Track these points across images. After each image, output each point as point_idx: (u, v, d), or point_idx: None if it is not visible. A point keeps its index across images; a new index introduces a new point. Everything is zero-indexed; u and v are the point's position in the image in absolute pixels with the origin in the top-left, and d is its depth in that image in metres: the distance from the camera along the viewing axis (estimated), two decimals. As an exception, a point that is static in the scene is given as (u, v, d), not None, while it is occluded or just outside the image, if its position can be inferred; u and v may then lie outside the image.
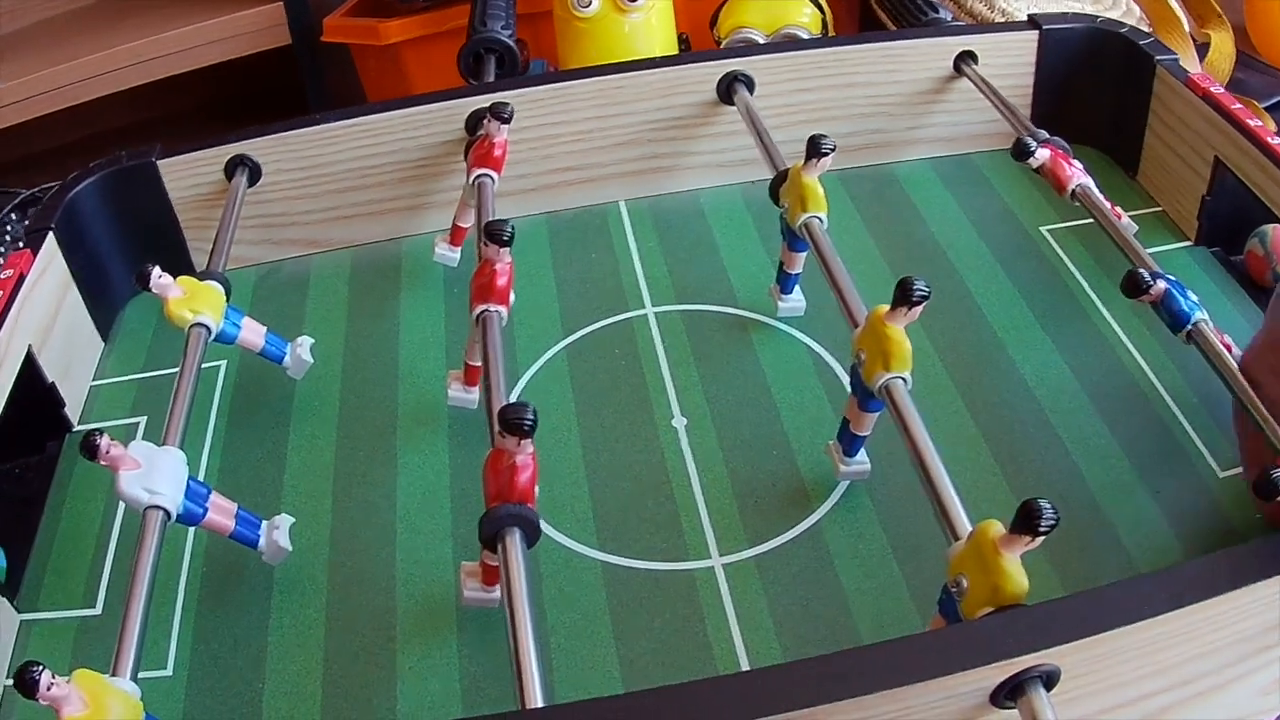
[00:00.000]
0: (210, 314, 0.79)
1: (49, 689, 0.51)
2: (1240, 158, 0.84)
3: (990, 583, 0.53)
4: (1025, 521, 0.51)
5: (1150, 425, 0.75)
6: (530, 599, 0.56)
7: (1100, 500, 0.70)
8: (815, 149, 0.79)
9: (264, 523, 0.71)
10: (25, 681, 0.51)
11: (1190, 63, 1.19)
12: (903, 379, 0.65)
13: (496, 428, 0.59)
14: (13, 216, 1.33)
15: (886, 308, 0.65)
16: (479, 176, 0.86)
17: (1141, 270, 0.72)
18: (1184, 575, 0.54)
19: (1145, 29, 1.23)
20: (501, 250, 0.72)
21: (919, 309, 0.64)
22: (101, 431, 0.64)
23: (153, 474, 0.65)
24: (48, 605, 0.72)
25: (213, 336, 0.79)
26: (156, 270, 0.76)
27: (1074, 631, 0.50)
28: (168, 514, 0.65)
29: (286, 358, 0.84)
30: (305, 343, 0.85)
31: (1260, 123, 0.83)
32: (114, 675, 0.56)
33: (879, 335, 0.66)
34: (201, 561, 0.73)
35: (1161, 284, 0.71)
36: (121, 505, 0.77)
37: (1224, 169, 0.86)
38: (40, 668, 0.51)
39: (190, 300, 0.78)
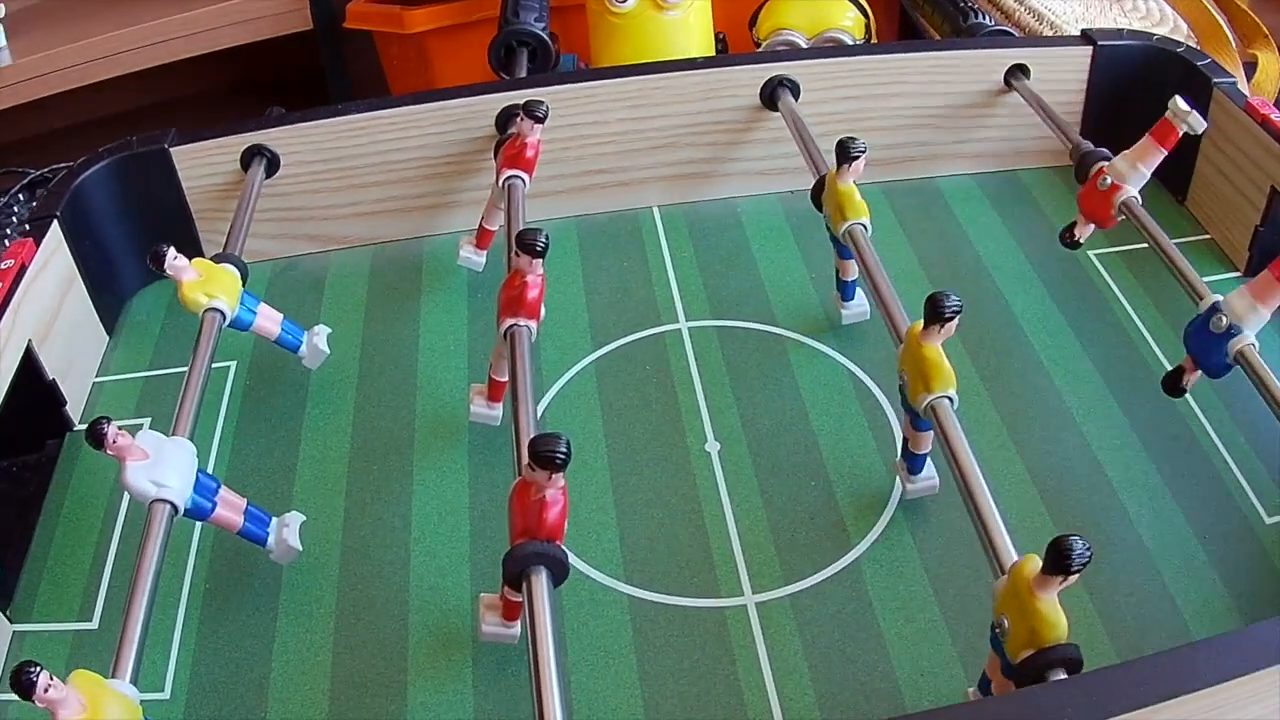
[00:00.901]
0: (226, 299, 0.76)
1: (46, 691, 0.50)
2: None
3: (1028, 625, 0.51)
4: (1057, 561, 0.49)
5: (1197, 466, 0.73)
6: (556, 647, 0.52)
7: (1148, 543, 0.68)
8: (845, 153, 0.77)
9: (274, 520, 0.69)
10: (22, 683, 0.49)
11: (1239, 84, 1.17)
12: (948, 398, 0.64)
13: (525, 459, 0.55)
14: (20, 197, 1.32)
15: (919, 326, 0.64)
16: (510, 178, 0.83)
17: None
18: (1239, 644, 0.51)
19: (1195, 45, 1.21)
20: (535, 262, 0.69)
21: (953, 324, 0.63)
22: (109, 419, 0.61)
23: (160, 465, 0.63)
24: (42, 616, 0.69)
25: (227, 322, 0.77)
26: (172, 251, 0.74)
27: (1129, 701, 0.48)
28: (175, 508, 0.62)
29: (303, 347, 0.81)
30: (322, 332, 0.82)
31: None
32: (113, 678, 0.54)
33: (916, 356, 0.65)
34: (204, 578, 0.70)
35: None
36: (123, 512, 0.74)
37: None
38: (38, 668, 0.49)
39: (205, 284, 0.76)
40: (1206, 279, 0.84)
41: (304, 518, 0.70)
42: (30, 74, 1.37)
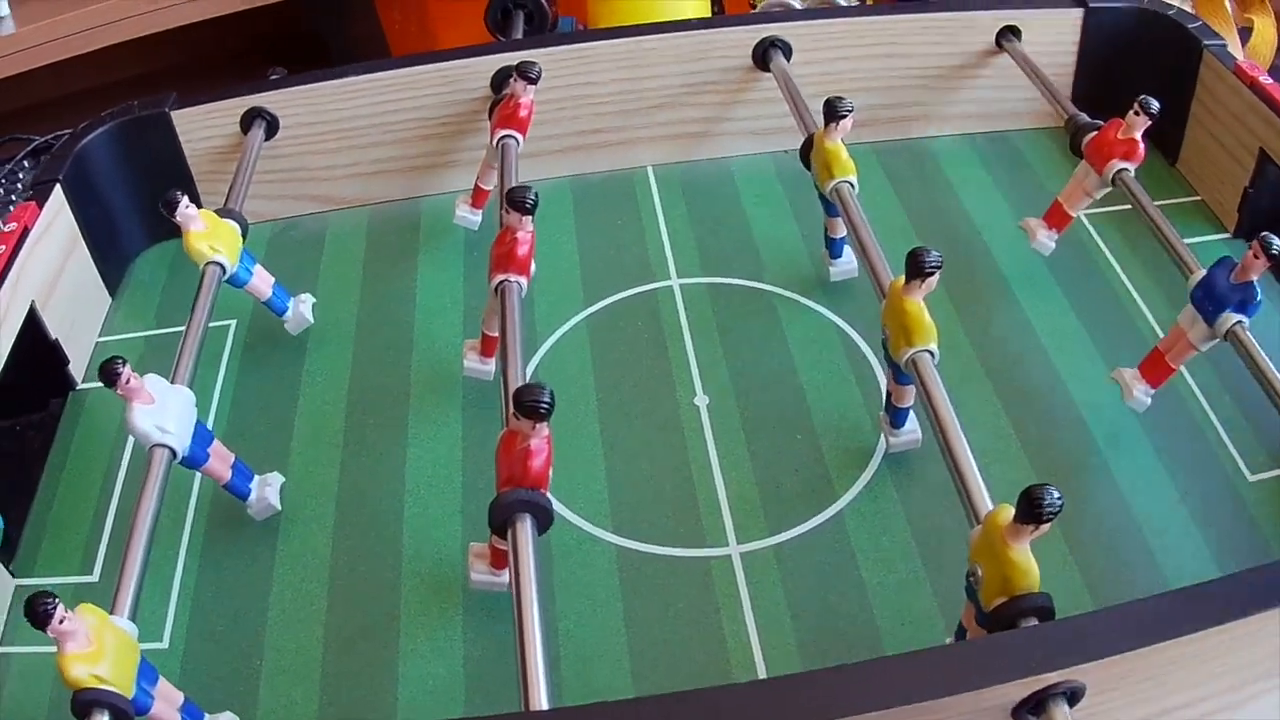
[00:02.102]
0: (227, 254, 0.78)
1: (61, 623, 0.52)
2: None
3: (1001, 574, 0.53)
4: (1028, 510, 0.50)
5: (1183, 424, 0.74)
6: (540, 593, 0.54)
7: (1129, 498, 0.69)
8: (833, 112, 0.79)
9: (256, 478, 0.71)
10: (37, 613, 0.51)
11: (1233, 48, 1.17)
12: (929, 352, 0.65)
13: (511, 409, 0.56)
14: (25, 164, 1.33)
15: (901, 281, 0.65)
16: (503, 138, 0.85)
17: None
18: (1210, 594, 0.53)
19: (1190, 9, 1.21)
20: (524, 218, 0.70)
21: (934, 279, 0.64)
22: (124, 359, 0.63)
23: (164, 411, 0.65)
24: (44, 571, 0.71)
25: (226, 277, 0.78)
26: (185, 199, 0.76)
27: (1100, 649, 0.49)
28: (174, 454, 0.64)
29: (289, 311, 0.83)
30: (308, 300, 0.84)
31: None
32: (113, 614, 0.56)
33: (898, 310, 0.66)
34: (202, 529, 0.72)
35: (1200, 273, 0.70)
36: (124, 469, 0.76)
37: (1268, 161, 0.84)
38: (54, 600, 0.51)
39: (210, 236, 0.78)
40: (1196, 239, 0.87)
41: (284, 479, 0.72)
42: (33, 42, 1.38)
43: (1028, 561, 0.52)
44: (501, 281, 0.70)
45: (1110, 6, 0.97)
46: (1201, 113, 0.92)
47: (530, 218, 0.70)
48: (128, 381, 0.63)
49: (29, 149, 1.34)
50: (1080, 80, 1.00)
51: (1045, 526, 0.51)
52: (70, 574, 0.70)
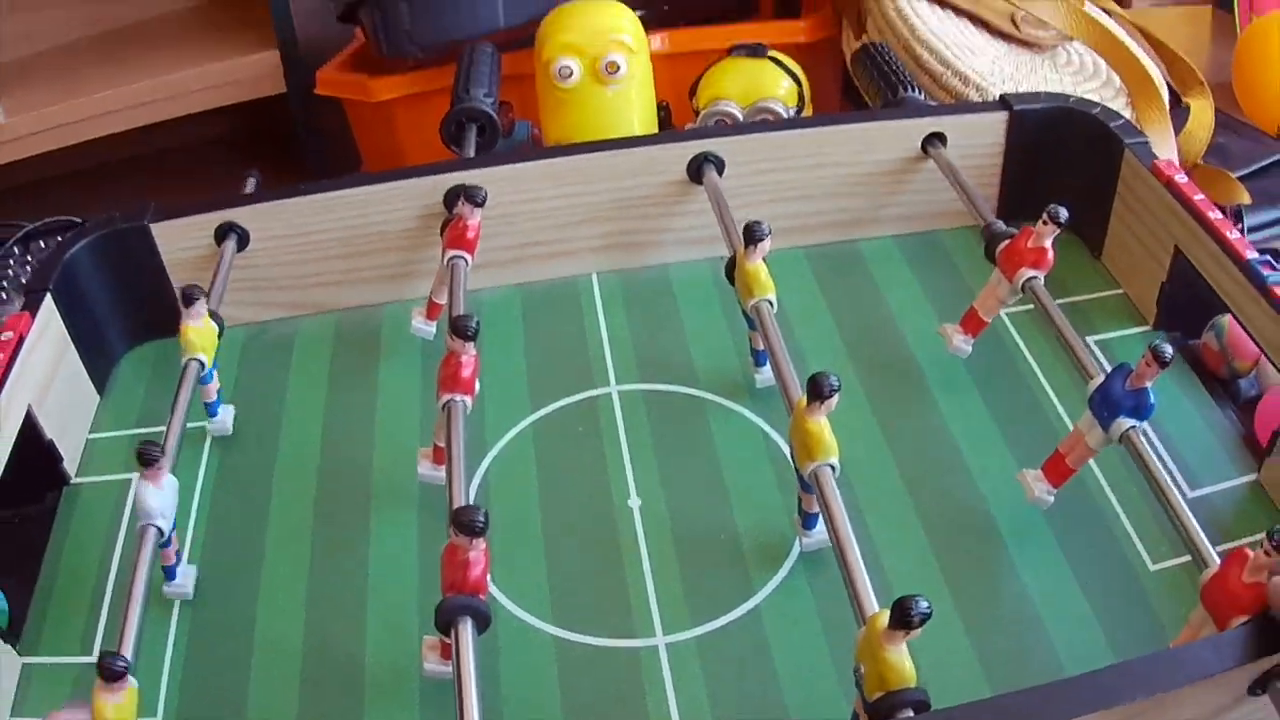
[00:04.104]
0: (206, 355, 0.86)
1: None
2: (1198, 249, 0.86)
3: (878, 671, 0.57)
4: (900, 617, 0.55)
5: (1088, 515, 0.79)
6: (478, 686, 0.60)
7: (1031, 590, 0.74)
8: (751, 235, 0.83)
9: (183, 564, 0.80)
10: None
11: (1165, 136, 1.21)
12: (830, 466, 0.70)
13: (451, 527, 0.64)
14: (15, 250, 1.36)
15: (805, 401, 0.70)
16: (452, 258, 0.90)
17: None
18: (1099, 681, 0.57)
19: (1125, 101, 1.26)
20: (467, 344, 0.76)
21: (833, 400, 0.69)
22: (159, 445, 0.72)
23: (165, 497, 0.73)
24: (48, 650, 0.77)
25: (200, 375, 0.86)
26: (203, 299, 0.84)
27: None
28: (161, 533, 0.73)
29: (218, 417, 0.91)
30: (230, 410, 0.92)
31: (1220, 214, 0.85)
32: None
33: (801, 429, 0.71)
34: (189, 615, 0.78)
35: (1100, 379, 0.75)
36: (116, 558, 0.82)
37: (1183, 258, 0.88)
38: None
39: (202, 333, 0.86)
40: (1118, 332, 0.92)
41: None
42: (21, 132, 1.42)
43: (901, 662, 0.57)
44: (448, 401, 0.77)
45: (1035, 108, 1.01)
46: (1123, 209, 0.96)
47: (472, 343, 0.77)
48: (157, 464, 0.72)
49: (19, 235, 1.37)
50: (1007, 179, 1.04)
51: (917, 631, 0.56)
52: (72, 654, 0.76)
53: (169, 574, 0.78)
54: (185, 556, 0.81)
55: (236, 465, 0.89)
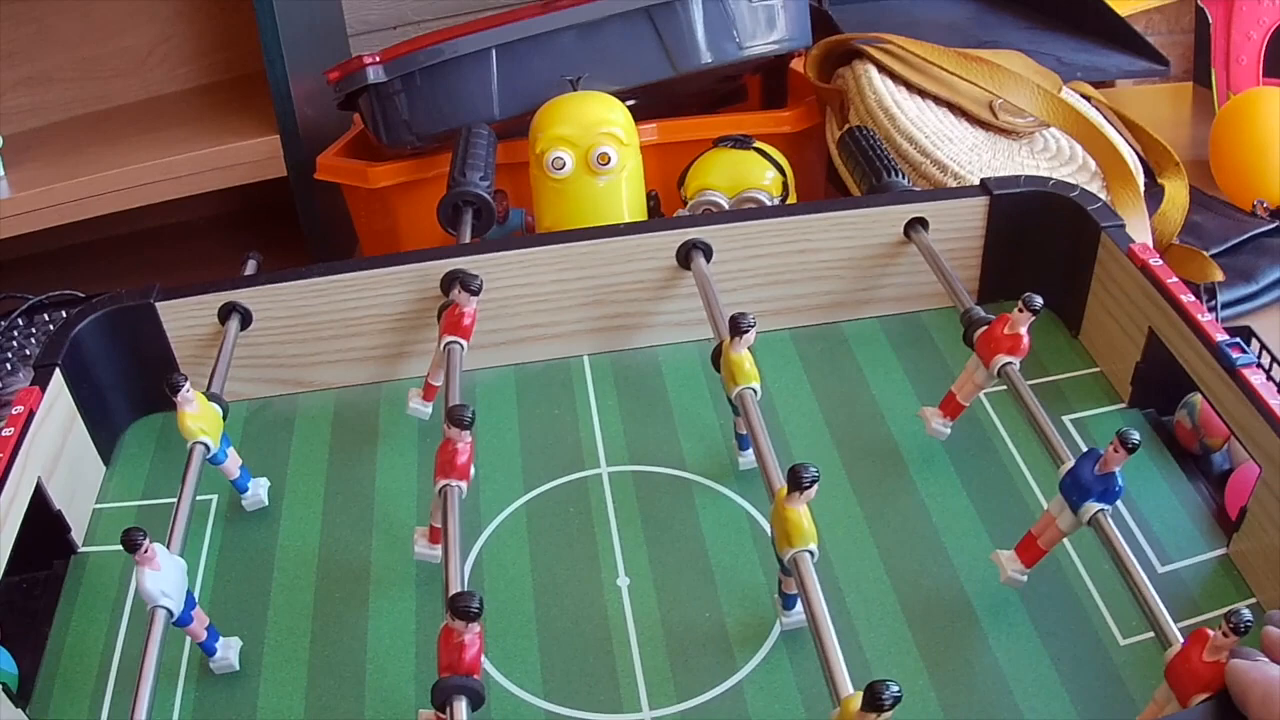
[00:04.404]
0: (211, 436, 0.88)
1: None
2: (1170, 330, 0.89)
3: None
4: (870, 700, 0.58)
5: (1060, 591, 0.81)
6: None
7: (1004, 666, 0.76)
8: (736, 326, 0.86)
9: (221, 639, 0.82)
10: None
11: (1140, 218, 1.23)
12: (809, 552, 0.72)
13: (448, 612, 0.67)
14: (19, 322, 1.39)
15: (785, 490, 0.73)
16: (449, 344, 0.93)
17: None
18: None
19: (1101, 183, 1.28)
20: (462, 432, 0.79)
21: (812, 490, 0.71)
22: (145, 532, 0.73)
23: (167, 578, 0.75)
24: (57, 715, 0.79)
25: (208, 456, 0.88)
26: (188, 385, 0.86)
27: None
28: (171, 613, 0.75)
29: (248, 492, 0.93)
30: (264, 483, 0.94)
31: (1193, 296, 0.87)
32: None
33: (780, 517, 0.73)
34: (194, 689, 0.81)
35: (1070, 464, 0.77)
36: (124, 627, 0.85)
37: (1156, 339, 0.91)
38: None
39: (200, 417, 0.88)
40: (1094, 410, 0.94)
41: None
42: (27, 207, 1.44)
43: (874, 746, 0.60)
44: (444, 486, 0.79)
45: (1014, 192, 1.03)
46: (1100, 290, 0.99)
47: (468, 431, 0.80)
48: (145, 551, 0.73)
49: (23, 308, 1.41)
50: (989, 260, 1.07)
51: (888, 713, 0.59)
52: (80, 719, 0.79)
53: (207, 650, 0.81)
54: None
55: (238, 541, 0.92)
